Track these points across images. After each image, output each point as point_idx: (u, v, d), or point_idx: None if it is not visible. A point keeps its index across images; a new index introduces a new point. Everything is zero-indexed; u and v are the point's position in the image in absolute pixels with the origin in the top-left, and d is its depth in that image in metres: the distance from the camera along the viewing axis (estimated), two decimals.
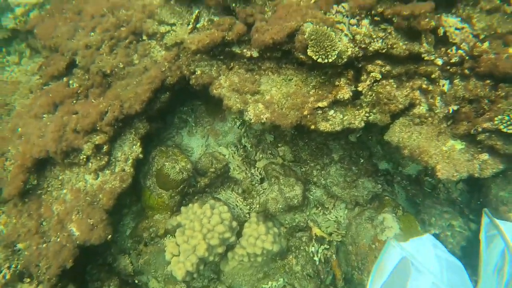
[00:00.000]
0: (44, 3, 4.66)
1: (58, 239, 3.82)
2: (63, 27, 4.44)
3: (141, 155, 4.12)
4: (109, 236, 3.84)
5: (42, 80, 4.44)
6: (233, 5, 3.89)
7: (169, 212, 4.38)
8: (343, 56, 3.60)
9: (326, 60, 3.47)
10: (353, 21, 3.82)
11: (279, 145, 4.69)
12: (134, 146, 4.13)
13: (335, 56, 3.47)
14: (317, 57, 3.48)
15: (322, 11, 3.90)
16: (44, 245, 3.84)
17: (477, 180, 4.04)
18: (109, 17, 4.41)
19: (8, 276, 3.55)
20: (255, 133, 4.78)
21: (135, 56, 4.23)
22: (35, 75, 4.60)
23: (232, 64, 4.10)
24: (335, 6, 3.97)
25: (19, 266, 3.71)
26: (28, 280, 3.72)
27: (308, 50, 3.55)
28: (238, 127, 4.82)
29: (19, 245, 3.85)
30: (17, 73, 4.70)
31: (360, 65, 3.82)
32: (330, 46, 3.46)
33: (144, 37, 4.30)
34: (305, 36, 3.56)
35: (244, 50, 3.94)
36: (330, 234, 4.39)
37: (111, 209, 3.95)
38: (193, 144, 4.81)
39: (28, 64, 4.73)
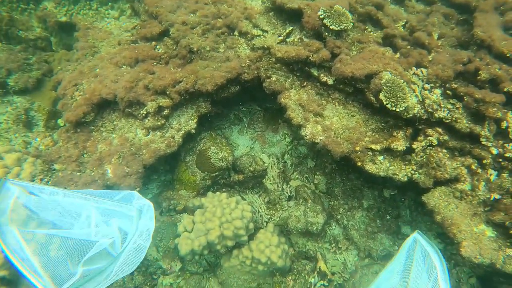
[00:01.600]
0: None
1: (92, 173, 4.04)
2: (168, 1, 4.92)
3: (193, 131, 4.38)
4: (137, 189, 4.03)
5: (133, 37, 4.87)
6: (326, 34, 4.26)
7: (195, 192, 4.55)
8: (410, 112, 3.85)
9: (394, 108, 3.72)
10: (426, 86, 4.12)
11: (317, 173, 4.88)
12: (190, 121, 4.41)
13: (403, 108, 3.73)
14: (387, 102, 3.75)
15: (402, 67, 4.23)
16: (78, 174, 4.05)
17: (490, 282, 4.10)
18: (211, 7, 4.87)
19: None
20: (299, 154, 5.00)
21: (222, 45, 4.61)
22: (127, 32, 5.04)
23: (305, 83, 4.42)
24: (414, 68, 4.30)
25: (49, 183, 3.92)
26: None
27: (380, 94, 3.83)
28: (286, 143, 5.05)
29: (56, 166, 4.08)
30: (113, 25, 5.17)
31: (420, 127, 4.06)
32: (401, 98, 3.73)
33: (236, 33, 4.70)
34: (382, 82, 3.85)
35: (321, 75, 4.26)
36: (333, 273, 4.43)
37: (148, 166, 4.16)
38: (239, 142, 5.06)
39: (125, 22, 5.21)
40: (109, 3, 5.29)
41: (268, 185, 4.81)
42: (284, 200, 4.74)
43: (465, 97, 3.95)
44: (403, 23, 4.84)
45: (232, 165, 4.68)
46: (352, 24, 4.23)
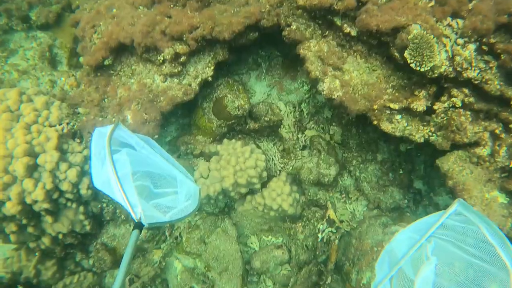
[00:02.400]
0: None
1: (113, 119, 4.16)
2: None
3: (210, 78, 4.32)
4: (156, 136, 4.15)
5: None
6: None
7: (211, 138, 4.64)
8: (435, 71, 3.57)
9: (418, 68, 3.46)
10: (460, 41, 3.74)
11: (333, 123, 4.80)
12: (207, 68, 4.31)
13: (429, 68, 3.46)
14: (411, 61, 3.48)
15: (435, 18, 3.82)
16: (100, 119, 4.19)
17: None
18: None
19: (65, 130, 3.94)
20: (316, 103, 4.88)
21: None
22: None
23: (327, 32, 4.12)
24: (449, 19, 3.87)
25: (75, 126, 4.10)
26: (78, 141, 4.12)
27: (406, 51, 3.54)
28: (304, 91, 4.92)
29: (80, 109, 4.22)
30: None
31: (445, 85, 3.79)
32: (428, 57, 3.44)
33: None
34: (409, 37, 3.53)
35: (345, 25, 3.93)
36: (342, 221, 4.60)
37: (166, 113, 4.23)
38: (256, 88, 4.96)
39: None
40: None
41: (284, 134, 4.80)
42: (298, 149, 4.77)
43: (502, 55, 3.59)
44: None
45: (248, 112, 4.66)
46: None
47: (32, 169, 3.59)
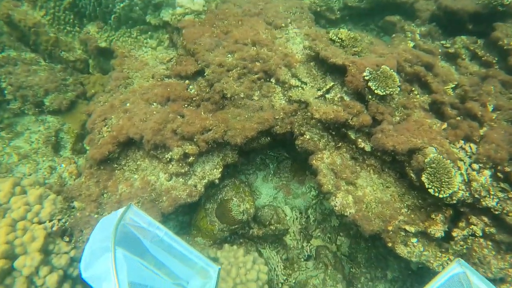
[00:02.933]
0: (201, 13, 4.95)
1: None
2: (207, 39, 4.66)
3: (217, 181, 4.11)
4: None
5: (167, 72, 4.65)
6: (369, 96, 3.86)
7: (211, 241, 4.27)
8: (454, 197, 3.40)
9: (437, 194, 3.29)
10: (475, 165, 3.65)
11: (341, 234, 4.49)
12: (215, 170, 4.13)
13: (447, 195, 3.29)
14: (430, 186, 3.32)
15: (448, 141, 3.78)
16: (95, 216, 3.86)
17: None
18: (250, 49, 4.57)
19: (55, 228, 3.58)
20: (323, 210, 4.63)
21: (257, 93, 4.30)
22: (162, 64, 4.83)
23: (340, 144, 4.04)
24: (461, 141, 3.84)
25: (67, 223, 3.75)
26: (67, 239, 3.73)
27: (423, 175, 3.40)
28: (311, 196, 4.70)
29: (76, 203, 3.91)
30: (149, 55, 4.98)
31: (462, 209, 3.60)
32: (446, 183, 3.29)
33: (272, 80, 4.38)
34: (426, 160, 3.43)
35: (359, 140, 3.87)
36: None
37: (166, 215, 3.93)
38: (263, 190, 4.74)
39: (161, 52, 5.00)
40: (149, 32, 5.10)
41: (288, 241, 4.46)
42: (302, 259, 4.38)
43: None
44: (454, 85, 4.37)
45: (253, 215, 4.37)
46: (399, 89, 3.81)
47: (6, 274, 3.16)
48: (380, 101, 3.87)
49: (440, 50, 4.78)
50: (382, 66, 3.90)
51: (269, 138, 4.30)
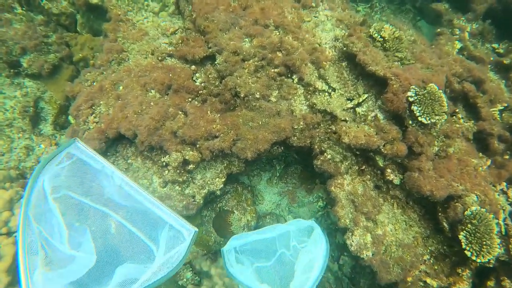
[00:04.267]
0: None
1: None
2: (222, 14, 3.72)
3: (218, 192, 3.51)
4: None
5: (170, 49, 3.77)
6: (409, 122, 3.16)
7: (205, 251, 3.79)
8: (492, 262, 2.91)
9: (475, 258, 2.78)
10: None
11: (345, 253, 4.06)
12: (217, 179, 3.51)
13: (487, 260, 2.79)
14: (467, 248, 2.80)
15: (491, 183, 3.19)
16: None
17: None
18: (272, 34, 3.68)
19: None
20: (329, 224, 4.14)
21: (274, 93, 3.53)
22: (165, 36, 3.91)
23: (364, 167, 3.41)
24: (503, 184, 3.26)
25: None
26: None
27: (460, 232, 2.87)
28: (317, 207, 4.18)
29: None
30: (150, 23, 4.01)
31: (491, 265, 3.14)
32: (487, 247, 2.77)
33: (294, 78, 3.58)
34: (466, 213, 2.87)
35: (388, 170, 3.25)
36: None
37: None
38: (266, 195, 4.18)
39: (165, 20, 4.03)
40: None
41: None
42: None
43: None
44: (502, 107, 3.68)
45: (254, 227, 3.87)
46: (446, 118, 3.11)
47: None
48: (420, 127, 3.18)
49: (491, 58, 3.98)
50: (430, 85, 3.14)
51: (282, 148, 3.63)
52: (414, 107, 3.05)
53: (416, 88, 3.09)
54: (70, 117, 4.08)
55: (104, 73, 3.68)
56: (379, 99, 3.38)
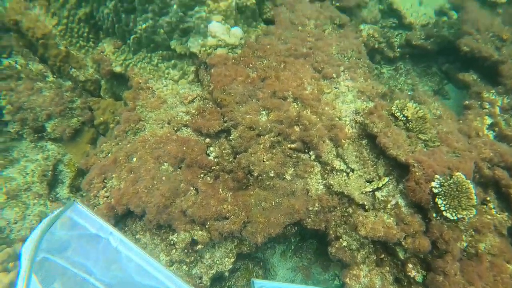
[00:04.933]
0: (237, 47, 3.91)
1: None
2: (240, 86, 3.66)
3: (226, 273, 3.31)
4: None
5: (187, 118, 3.72)
6: (433, 215, 2.86)
7: None
8: None
9: None
10: None
11: None
12: (226, 259, 3.32)
13: None
14: None
15: None
16: None
17: None
18: (290, 107, 3.56)
19: None
20: None
21: (290, 170, 3.36)
22: (183, 105, 3.88)
23: (383, 256, 3.11)
24: None
25: None
26: None
27: None
28: (333, 286, 3.85)
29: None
30: (169, 90, 4.02)
31: None
32: None
33: (311, 154, 3.41)
34: None
35: (409, 265, 2.94)
36: None
37: None
38: (279, 270, 3.92)
39: (184, 88, 4.03)
40: (172, 61, 4.10)
41: None
42: None
43: None
44: None
45: None
46: (475, 213, 2.80)
47: None
48: (445, 220, 2.87)
49: None
50: (456, 174, 2.87)
51: (296, 228, 3.41)
52: (438, 200, 2.77)
53: (440, 178, 2.82)
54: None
55: (120, 143, 3.66)
56: (401, 183, 3.13)
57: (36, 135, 4.21)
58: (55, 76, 4.43)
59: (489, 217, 3.04)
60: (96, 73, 4.40)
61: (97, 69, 4.36)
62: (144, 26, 3.92)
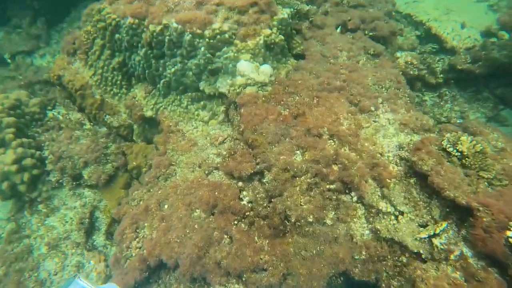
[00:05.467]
0: (267, 84, 3.75)
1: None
2: (271, 125, 3.45)
3: None
4: None
5: (218, 161, 3.54)
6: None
7: None
8: None
9: None
10: None
11: None
12: None
13: None
14: None
15: None
16: None
17: None
18: (326, 145, 3.27)
19: None
20: None
21: (330, 214, 3.01)
22: (213, 147, 3.72)
23: None
24: None
25: None
26: None
27: None
28: None
29: None
30: (199, 132, 3.90)
31: None
32: None
33: (353, 196, 3.06)
34: None
35: None
36: None
37: None
38: None
39: (214, 129, 3.90)
40: (201, 102, 4.01)
41: None
42: None
43: None
44: None
45: None
46: None
47: None
48: None
49: None
50: None
51: (342, 279, 3.01)
52: None
53: None
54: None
55: (151, 190, 3.53)
56: (464, 228, 2.67)
57: (74, 183, 4.21)
58: (91, 123, 4.48)
59: None
60: (128, 118, 4.40)
61: (130, 114, 4.37)
62: (173, 70, 3.89)
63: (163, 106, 4.12)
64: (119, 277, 3.02)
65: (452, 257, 2.55)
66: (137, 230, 3.27)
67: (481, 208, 2.47)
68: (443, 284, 2.40)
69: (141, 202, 3.47)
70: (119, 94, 4.38)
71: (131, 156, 4.31)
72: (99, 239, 4.09)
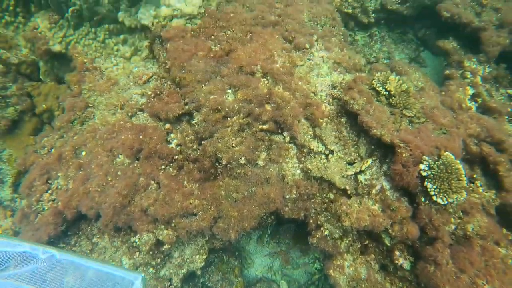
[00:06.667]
0: (196, 16, 3.30)
1: None
2: (200, 62, 3.10)
3: (199, 272, 2.91)
4: None
5: (142, 101, 3.15)
6: (422, 199, 2.55)
7: None
8: None
9: None
10: None
11: None
12: (198, 256, 2.90)
13: None
14: None
15: None
16: None
17: None
18: (260, 83, 3.06)
19: None
20: None
21: (263, 155, 2.91)
22: (137, 86, 3.29)
23: (367, 242, 2.81)
24: None
25: None
26: None
27: None
28: (314, 269, 3.57)
29: None
30: (120, 70, 3.39)
31: None
32: None
33: (286, 136, 2.97)
34: None
35: (396, 252, 2.64)
36: None
37: None
38: (256, 258, 3.59)
39: (137, 66, 3.41)
40: (121, 36, 3.43)
41: None
42: None
43: None
44: None
45: None
46: (465, 195, 2.51)
47: None
48: (434, 204, 2.57)
49: (509, 109, 3.38)
50: (445, 154, 2.54)
51: (272, 218, 3.03)
52: (428, 184, 2.44)
53: (429, 160, 2.48)
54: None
55: (65, 136, 3.06)
56: (385, 164, 2.78)
57: None
58: None
59: (476, 196, 2.76)
60: (31, 53, 3.65)
61: (32, 49, 3.62)
62: None
63: (75, 40, 3.46)
64: (29, 233, 2.66)
65: (373, 191, 2.65)
66: (49, 181, 2.86)
67: (401, 145, 2.54)
68: (364, 217, 2.51)
69: (52, 150, 3.00)
70: (15, 24, 3.55)
71: (39, 98, 3.65)
72: (5, 192, 3.54)
